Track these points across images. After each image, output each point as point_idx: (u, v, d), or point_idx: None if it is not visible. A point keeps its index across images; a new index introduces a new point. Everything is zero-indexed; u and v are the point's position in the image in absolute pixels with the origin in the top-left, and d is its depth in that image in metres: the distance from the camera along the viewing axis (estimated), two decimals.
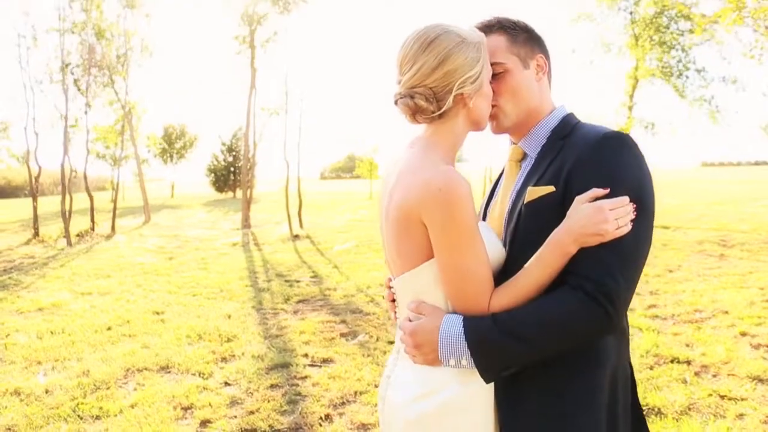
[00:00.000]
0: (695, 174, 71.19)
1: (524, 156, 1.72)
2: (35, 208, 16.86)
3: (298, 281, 9.45)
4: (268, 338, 6.18)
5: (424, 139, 1.56)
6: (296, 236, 16.09)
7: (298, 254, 12.75)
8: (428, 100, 1.49)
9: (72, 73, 18.48)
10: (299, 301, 7.95)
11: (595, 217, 1.35)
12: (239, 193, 44.15)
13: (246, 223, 19.49)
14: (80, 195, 21.21)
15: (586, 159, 1.47)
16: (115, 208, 19.78)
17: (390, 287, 1.75)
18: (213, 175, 49.63)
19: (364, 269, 10.29)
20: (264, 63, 20.94)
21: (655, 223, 1.50)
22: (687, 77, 19.23)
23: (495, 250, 1.52)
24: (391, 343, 5.83)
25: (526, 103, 1.66)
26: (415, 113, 1.53)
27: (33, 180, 17.35)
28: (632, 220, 1.40)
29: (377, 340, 6.00)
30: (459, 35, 1.49)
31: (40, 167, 17.59)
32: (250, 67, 20.18)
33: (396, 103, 1.56)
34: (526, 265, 1.45)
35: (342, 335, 6.23)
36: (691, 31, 15.98)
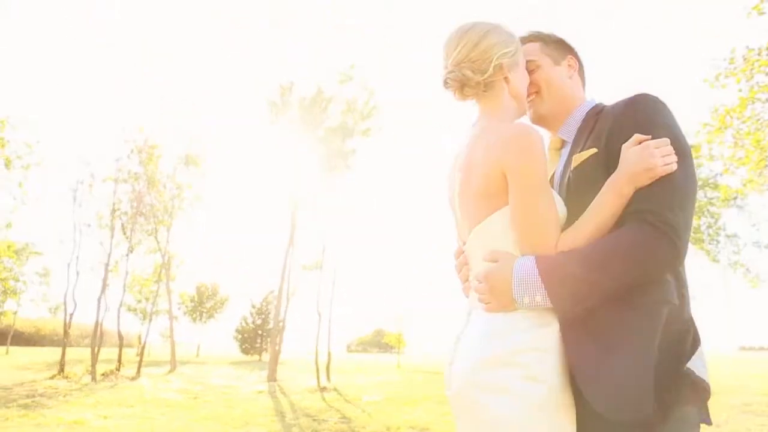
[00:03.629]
0: (734, 355, 68.86)
1: (563, 144, 1.87)
2: (64, 345, 16.83)
3: (326, 420, 9.04)
4: None
5: (482, 114, 1.74)
6: (323, 388, 15.62)
7: (325, 402, 12.29)
8: (473, 71, 1.68)
9: (120, 218, 19.27)
10: None
11: (642, 153, 1.47)
12: (265, 356, 43.57)
13: (272, 377, 19.07)
14: (105, 350, 21.29)
15: (622, 117, 1.60)
16: (141, 357, 19.64)
17: (462, 252, 1.79)
18: (240, 336, 49.30)
19: (395, 415, 9.81)
20: (304, 222, 21.66)
21: None
22: (718, 242, 19.36)
23: (558, 206, 1.59)
24: None
25: (560, 92, 1.86)
26: (463, 86, 1.70)
27: (67, 317, 17.50)
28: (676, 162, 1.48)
29: None
30: (493, 24, 1.73)
31: (75, 304, 17.84)
32: (290, 225, 20.88)
33: (445, 82, 1.74)
34: (585, 211, 1.53)
35: None
36: (720, 199, 16.35)
